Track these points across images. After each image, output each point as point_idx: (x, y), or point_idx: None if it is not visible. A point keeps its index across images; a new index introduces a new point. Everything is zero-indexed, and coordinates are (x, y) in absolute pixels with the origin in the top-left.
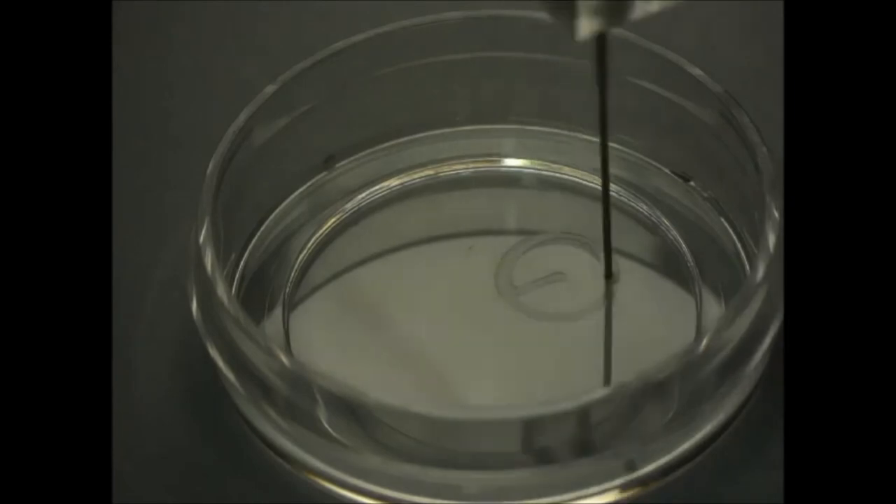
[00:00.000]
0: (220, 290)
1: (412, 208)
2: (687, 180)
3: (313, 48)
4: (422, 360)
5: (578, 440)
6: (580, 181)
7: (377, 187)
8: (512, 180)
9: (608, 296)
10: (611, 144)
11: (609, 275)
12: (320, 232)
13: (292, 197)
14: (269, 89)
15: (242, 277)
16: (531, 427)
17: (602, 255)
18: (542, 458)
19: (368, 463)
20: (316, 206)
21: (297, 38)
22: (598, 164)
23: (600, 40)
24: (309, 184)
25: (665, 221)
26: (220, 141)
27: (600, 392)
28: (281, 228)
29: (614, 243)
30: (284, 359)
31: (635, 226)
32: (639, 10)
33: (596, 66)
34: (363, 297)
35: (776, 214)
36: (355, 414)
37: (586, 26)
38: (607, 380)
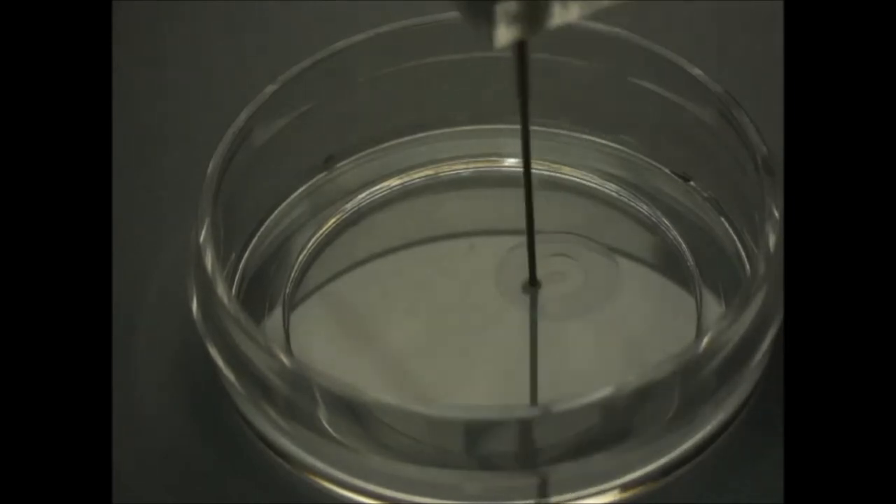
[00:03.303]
0: (221, 289)
1: (412, 208)
2: (687, 180)
3: (313, 48)
4: (422, 360)
5: (578, 440)
6: (580, 181)
7: (377, 187)
8: (512, 180)
9: (533, 306)
10: (611, 144)
11: (534, 282)
12: (320, 232)
13: (292, 197)
14: (269, 89)
15: (242, 277)
16: (531, 427)
17: (603, 254)
18: (542, 457)
19: (368, 463)
20: (316, 206)
21: (297, 38)
22: (598, 164)
23: (519, 48)
24: (309, 184)
25: (665, 221)
26: (220, 141)
27: (601, 392)
28: (281, 228)
29: (613, 243)
30: (284, 359)
31: (635, 226)
32: (557, 17)
33: (516, 76)
34: (363, 297)
35: (776, 214)
36: (355, 414)
37: (504, 34)
38: (533, 399)
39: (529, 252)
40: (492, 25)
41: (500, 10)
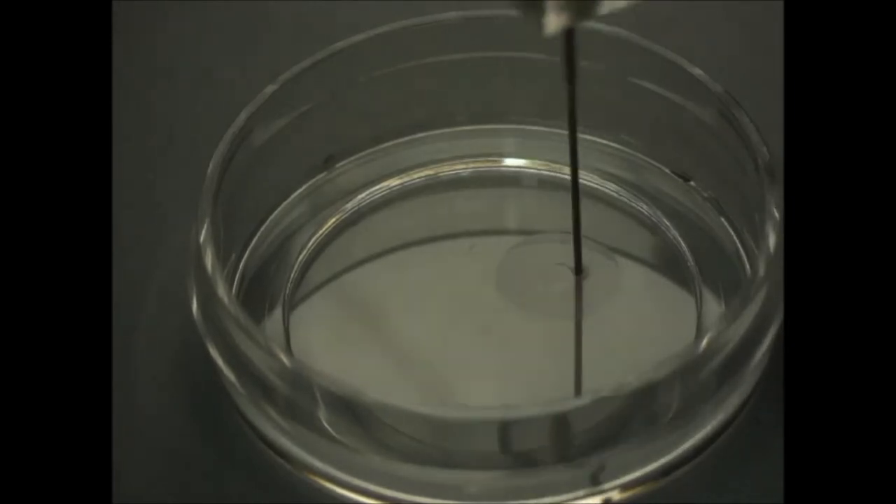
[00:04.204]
0: (221, 289)
1: (412, 208)
2: (687, 180)
3: (313, 48)
4: (422, 360)
5: (578, 440)
6: (580, 181)
7: (377, 187)
8: (512, 180)
9: (578, 292)
10: (611, 144)
11: (579, 271)
12: (320, 232)
13: (292, 197)
14: (269, 89)
15: (243, 277)
16: (531, 427)
17: (603, 254)
18: (542, 458)
19: (369, 463)
20: (316, 206)
21: (297, 38)
22: (598, 164)
23: (568, 36)
24: (309, 184)
25: (665, 221)
26: (221, 141)
27: (601, 392)
28: (281, 228)
29: (614, 243)
30: (285, 358)
31: (635, 226)
32: (607, 6)
33: (564, 63)
34: (363, 297)
35: (776, 214)
36: (355, 413)
37: (554, 22)
38: (578, 388)
39: (575, 244)
40: (541, 13)
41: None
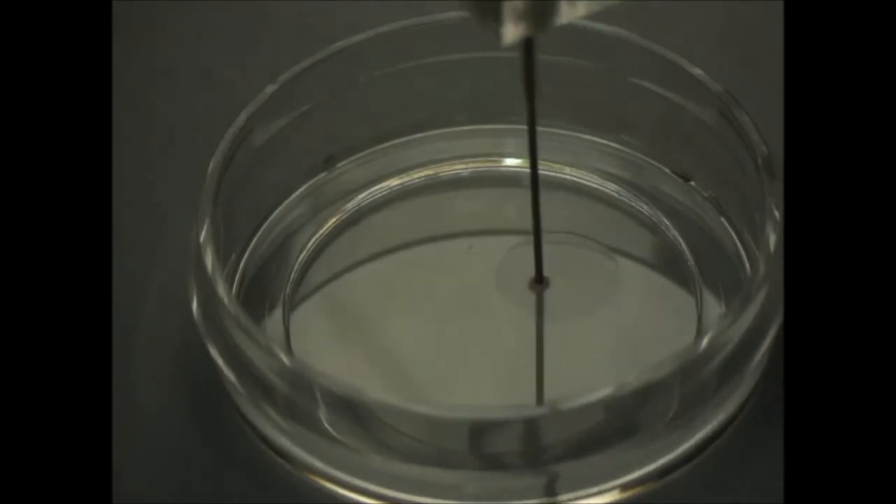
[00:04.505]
0: (221, 289)
1: (412, 208)
2: (687, 180)
3: (313, 48)
4: (422, 359)
5: (578, 440)
6: (580, 181)
7: (377, 187)
8: (512, 180)
9: (539, 303)
10: (611, 144)
11: (540, 280)
12: (321, 232)
13: (292, 197)
14: (269, 89)
15: (243, 277)
16: (531, 427)
17: (603, 254)
18: (542, 457)
19: (369, 463)
20: (316, 206)
21: (297, 38)
22: (598, 164)
23: (527, 45)
24: (309, 184)
25: (665, 221)
26: (221, 141)
27: (601, 392)
28: (281, 228)
29: (614, 243)
30: (285, 358)
31: (635, 226)
32: (564, 15)
33: (523, 72)
34: (363, 297)
35: (776, 214)
36: (356, 413)
37: (511, 32)
38: (536, 398)
39: (536, 250)
40: (499, 23)
41: (508, 7)
